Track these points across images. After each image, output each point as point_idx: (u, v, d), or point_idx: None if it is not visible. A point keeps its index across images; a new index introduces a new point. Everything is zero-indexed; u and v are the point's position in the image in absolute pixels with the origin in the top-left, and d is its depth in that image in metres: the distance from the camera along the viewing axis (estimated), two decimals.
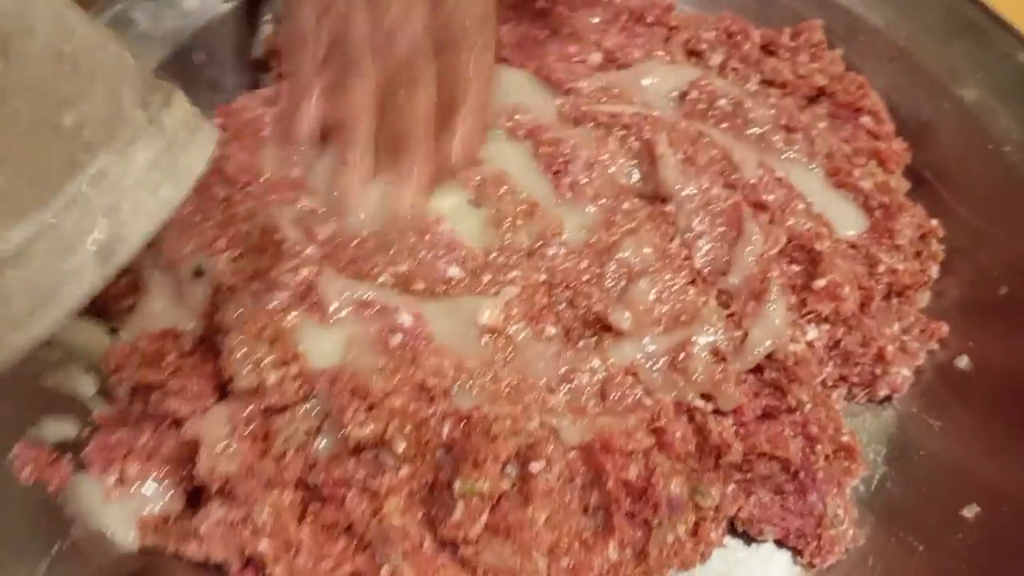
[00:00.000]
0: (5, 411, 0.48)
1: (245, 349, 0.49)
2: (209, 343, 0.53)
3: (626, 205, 0.58)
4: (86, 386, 0.52)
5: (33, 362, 0.51)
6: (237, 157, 0.59)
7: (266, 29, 0.71)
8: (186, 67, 0.67)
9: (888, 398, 0.59)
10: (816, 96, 0.65)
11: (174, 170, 0.38)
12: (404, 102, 0.53)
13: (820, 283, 0.54)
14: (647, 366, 0.52)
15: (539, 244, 0.55)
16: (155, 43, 0.66)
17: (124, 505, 0.48)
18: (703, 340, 0.52)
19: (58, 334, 0.52)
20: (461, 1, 0.53)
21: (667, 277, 0.54)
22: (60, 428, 0.50)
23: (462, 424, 0.48)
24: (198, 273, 0.55)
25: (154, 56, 0.65)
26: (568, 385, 0.51)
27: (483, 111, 0.56)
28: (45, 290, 0.35)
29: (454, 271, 0.54)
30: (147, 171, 0.37)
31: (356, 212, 0.53)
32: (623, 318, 0.53)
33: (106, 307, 0.55)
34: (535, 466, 0.47)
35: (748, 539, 0.53)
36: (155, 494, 0.49)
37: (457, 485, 0.46)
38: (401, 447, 0.48)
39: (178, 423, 0.51)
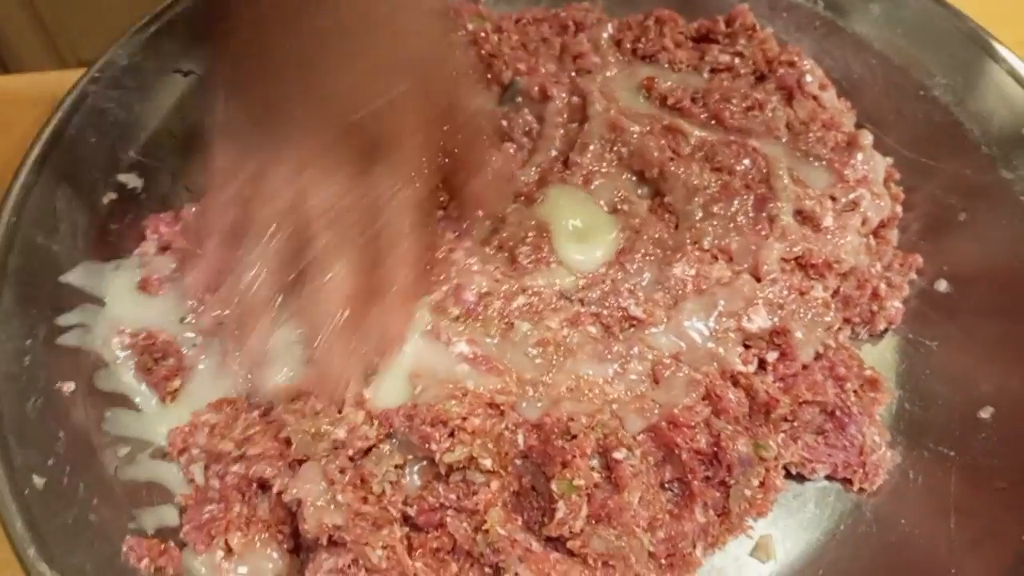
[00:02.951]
0: (104, 512, 0.49)
1: (298, 427, 0.51)
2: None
3: (625, 207, 0.62)
4: (163, 472, 0.53)
5: (107, 463, 0.52)
6: None
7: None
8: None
9: (885, 330, 0.65)
10: (762, 75, 0.71)
11: None
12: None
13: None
14: (689, 346, 0.56)
15: None
16: (132, 127, 0.67)
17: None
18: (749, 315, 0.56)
19: (117, 428, 0.53)
20: (394, 196, 0.53)
21: (682, 263, 0.59)
22: (156, 517, 0.51)
23: (536, 432, 0.52)
24: None
25: (135, 139, 0.66)
26: (622, 376, 0.55)
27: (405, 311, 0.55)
28: None
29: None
30: None
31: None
32: (650, 310, 0.57)
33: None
34: (618, 455, 0.50)
35: (802, 479, 0.58)
36: (264, 560, 0.50)
37: (554, 486, 0.49)
38: (488, 463, 0.50)
39: (263, 486, 0.52)
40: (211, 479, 0.53)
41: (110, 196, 0.63)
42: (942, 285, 0.65)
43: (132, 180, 0.65)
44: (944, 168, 0.68)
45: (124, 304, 0.59)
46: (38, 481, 0.48)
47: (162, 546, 0.49)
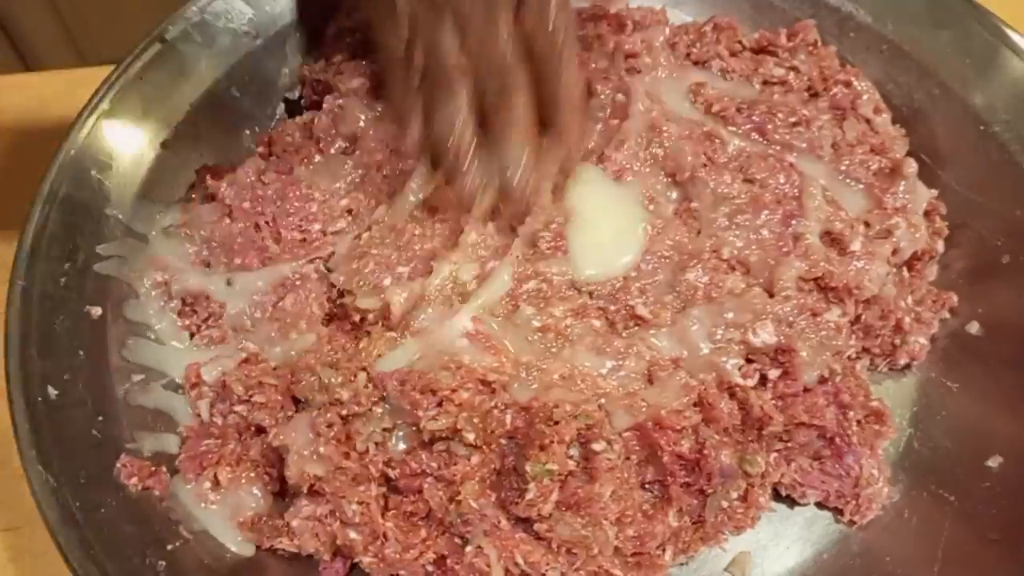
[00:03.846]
0: (107, 430, 0.52)
1: (314, 376, 0.53)
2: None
3: (651, 207, 0.62)
4: (172, 403, 0.56)
5: (119, 384, 0.56)
6: (274, 184, 0.63)
7: (293, 62, 0.75)
8: (224, 102, 0.71)
9: (908, 366, 0.63)
10: (816, 92, 0.70)
11: None
12: (503, 109, 0.57)
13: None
14: (690, 352, 0.56)
15: None
16: (191, 83, 0.70)
17: (222, 507, 0.52)
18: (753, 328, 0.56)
19: (136, 357, 0.56)
20: (543, 11, 0.57)
21: (696, 269, 0.59)
22: (156, 442, 0.54)
23: (523, 414, 0.52)
24: None
25: (192, 94, 0.69)
26: (617, 372, 0.55)
27: (581, 114, 0.62)
28: None
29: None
30: None
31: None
32: (657, 311, 0.57)
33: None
34: (597, 446, 0.51)
35: (792, 503, 0.58)
36: (247, 495, 0.53)
37: (528, 467, 0.50)
38: (471, 437, 0.52)
39: (261, 430, 0.55)
40: (215, 416, 0.56)
41: (169, 138, 0.66)
42: (974, 328, 0.63)
43: (192, 128, 0.68)
44: (994, 208, 0.66)
45: (164, 244, 0.63)
46: (52, 391, 0.52)
47: (153, 468, 0.52)
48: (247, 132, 0.71)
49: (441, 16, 0.56)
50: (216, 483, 0.53)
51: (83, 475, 0.50)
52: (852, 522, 0.57)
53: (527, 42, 0.57)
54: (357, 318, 0.56)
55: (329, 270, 0.59)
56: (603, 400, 0.54)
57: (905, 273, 0.65)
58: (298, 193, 0.61)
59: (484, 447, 0.52)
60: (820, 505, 0.58)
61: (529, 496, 0.50)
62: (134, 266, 0.60)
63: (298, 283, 0.58)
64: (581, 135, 0.63)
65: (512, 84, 0.57)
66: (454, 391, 0.52)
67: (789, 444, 0.56)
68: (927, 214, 0.66)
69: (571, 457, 0.51)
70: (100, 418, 0.53)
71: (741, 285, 0.58)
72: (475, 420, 0.52)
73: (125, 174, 0.63)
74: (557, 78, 0.58)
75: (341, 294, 0.57)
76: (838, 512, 0.57)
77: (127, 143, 0.64)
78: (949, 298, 0.64)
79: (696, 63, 0.71)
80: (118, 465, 0.51)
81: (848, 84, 0.69)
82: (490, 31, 0.56)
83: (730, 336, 0.56)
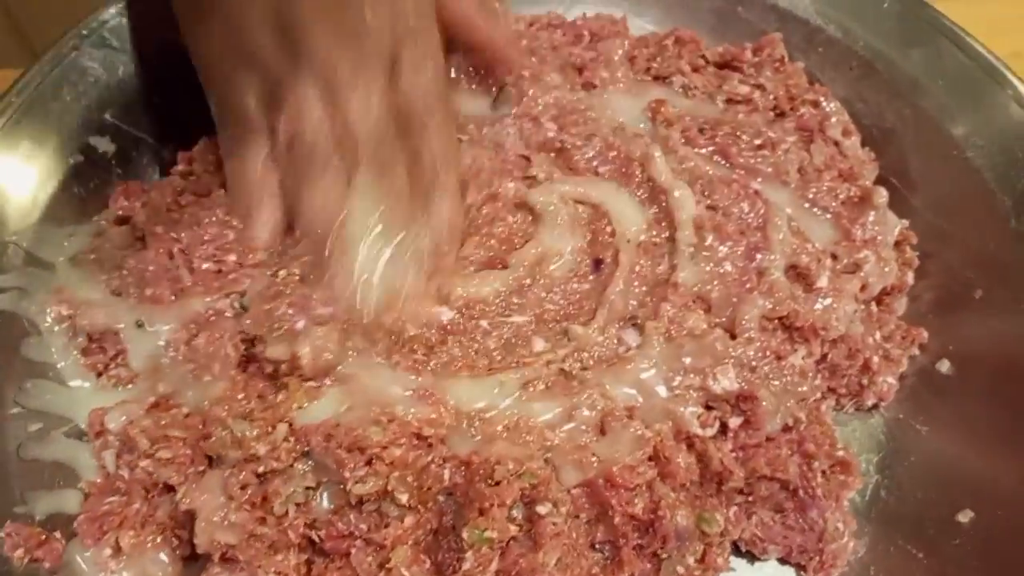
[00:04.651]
0: None
1: (226, 430, 0.48)
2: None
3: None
4: (75, 453, 0.51)
5: (12, 436, 0.50)
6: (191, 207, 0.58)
7: None
8: (147, 109, 0.65)
9: (875, 406, 0.60)
10: (782, 112, 0.66)
11: None
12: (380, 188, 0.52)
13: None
14: (646, 399, 0.52)
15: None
16: (112, 90, 0.64)
17: None
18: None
19: (35, 402, 0.51)
20: (418, 80, 0.52)
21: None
22: (52, 501, 0.48)
23: (463, 469, 0.48)
24: None
25: (114, 101, 0.63)
26: (567, 422, 0.50)
27: (457, 189, 0.56)
28: None
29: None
30: None
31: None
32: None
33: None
34: (542, 509, 0.46)
35: (752, 558, 0.54)
36: (153, 563, 0.47)
37: (465, 534, 0.45)
38: (404, 498, 0.47)
39: (169, 488, 0.49)
40: (121, 468, 0.51)
41: (77, 158, 0.60)
42: (944, 366, 0.60)
43: (103, 144, 0.62)
44: (966, 238, 0.62)
45: (72, 274, 0.57)
46: None
47: (43, 536, 0.47)
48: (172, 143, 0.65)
49: (303, 73, 0.50)
50: (118, 549, 0.47)
51: None
52: None
53: (401, 116, 0.52)
54: (269, 368, 0.51)
55: (244, 308, 0.53)
56: (550, 454, 0.49)
57: (873, 307, 0.61)
58: (214, 219, 0.55)
59: (419, 506, 0.48)
60: (783, 561, 0.54)
61: (466, 566, 0.45)
62: (36, 299, 0.55)
63: (212, 320, 0.53)
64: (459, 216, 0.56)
65: (389, 163, 0.52)
66: (385, 448, 0.47)
67: (750, 497, 0.53)
68: (897, 244, 0.62)
69: (513, 520, 0.47)
70: None
71: (703, 325, 0.54)
72: (409, 479, 0.47)
73: (27, 196, 0.57)
74: (431, 151, 0.53)
75: (253, 339, 0.52)
76: (801, 568, 0.54)
77: (29, 161, 0.58)
78: (919, 334, 0.61)
79: (656, 78, 0.67)
80: (2, 535, 0.46)
81: (816, 104, 0.65)
82: (367, 103, 0.51)
83: (689, 382, 0.52)
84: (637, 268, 0.56)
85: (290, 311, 0.51)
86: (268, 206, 0.54)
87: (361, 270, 0.51)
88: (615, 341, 0.53)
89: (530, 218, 0.58)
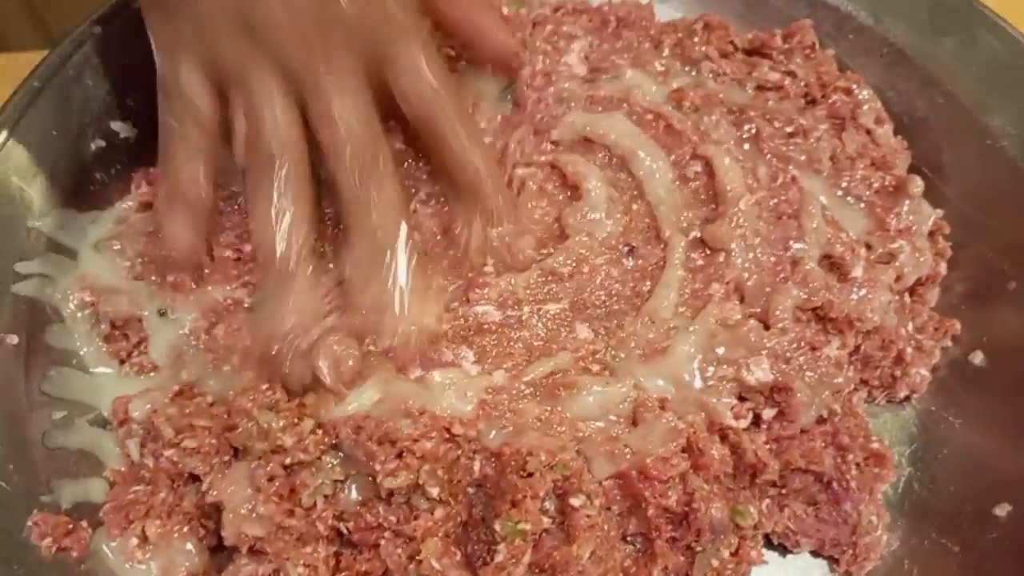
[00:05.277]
0: (16, 482, 0.46)
1: (252, 422, 0.47)
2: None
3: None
4: (99, 442, 0.50)
5: (37, 425, 0.49)
6: None
7: None
8: None
9: (907, 398, 0.59)
10: (813, 100, 0.65)
11: None
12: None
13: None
14: (678, 390, 0.51)
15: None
16: (134, 75, 0.63)
17: (151, 567, 0.46)
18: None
19: (58, 390, 0.50)
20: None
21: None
22: (77, 490, 0.48)
23: (494, 460, 0.47)
24: None
25: (136, 87, 0.62)
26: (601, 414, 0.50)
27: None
28: None
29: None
30: None
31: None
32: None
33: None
34: (575, 501, 0.46)
35: (784, 551, 0.53)
36: (179, 552, 0.47)
37: (498, 525, 0.45)
38: (435, 491, 0.46)
39: (194, 477, 0.49)
40: (146, 457, 0.50)
41: (98, 143, 0.60)
42: (977, 357, 0.59)
43: (125, 129, 0.61)
44: (1000, 229, 0.61)
45: (95, 260, 0.56)
46: None
47: (70, 525, 0.46)
48: None
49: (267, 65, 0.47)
50: (144, 539, 0.47)
51: None
52: (849, 573, 0.52)
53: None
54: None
55: None
56: (582, 445, 0.48)
57: (907, 298, 0.60)
58: (235, 206, 0.54)
59: (450, 499, 0.47)
60: (815, 554, 0.53)
61: (499, 558, 0.44)
62: (59, 285, 0.54)
63: (231, 309, 0.52)
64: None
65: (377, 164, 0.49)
66: (416, 441, 0.46)
67: (783, 490, 0.52)
68: (930, 235, 0.61)
69: (546, 512, 0.46)
70: (11, 467, 0.46)
71: (737, 315, 0.53)
72: (439, 472, 0.46)
73: (48, 182, 0.56)
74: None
75: None
76: (833, 561, 0.53)
77: (51, 146, 0.57)
78: (952, 325, 0.60)
79: (684, 64, 0.66)
80: (29, 523, 0.45)
81: (848, 91, 0.64)
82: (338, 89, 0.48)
83: (722, 373, 0.51)
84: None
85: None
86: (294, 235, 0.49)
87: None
88: (662, 331, 0.52)
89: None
